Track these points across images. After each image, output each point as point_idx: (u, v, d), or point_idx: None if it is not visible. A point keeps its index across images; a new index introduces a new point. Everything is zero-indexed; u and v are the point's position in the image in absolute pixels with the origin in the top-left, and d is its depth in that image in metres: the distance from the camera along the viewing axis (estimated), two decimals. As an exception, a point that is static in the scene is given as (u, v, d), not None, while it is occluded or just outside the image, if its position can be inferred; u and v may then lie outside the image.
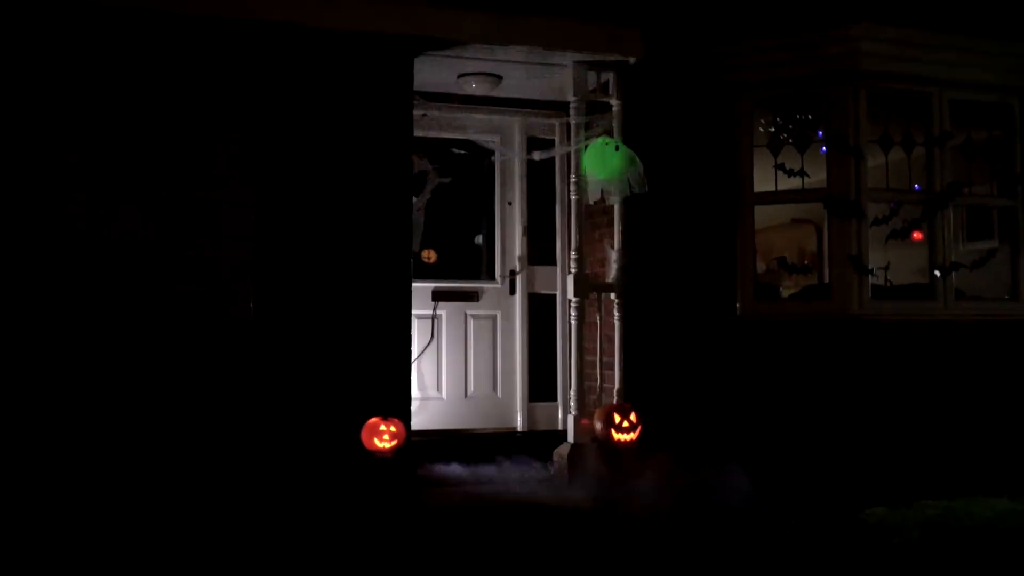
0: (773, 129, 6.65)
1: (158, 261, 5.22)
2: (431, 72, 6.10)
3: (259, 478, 5.18)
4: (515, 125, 7.07)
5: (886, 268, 7.06)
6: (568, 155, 6.57)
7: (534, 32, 5.77)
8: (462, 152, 6.86)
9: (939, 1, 6.28)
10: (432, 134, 6.72)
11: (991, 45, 6.33)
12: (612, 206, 6.13)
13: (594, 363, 6.15)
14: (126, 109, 5.23)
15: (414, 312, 5.84)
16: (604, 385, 6.14)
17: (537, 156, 6.56)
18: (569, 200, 6.27)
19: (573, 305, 6.03)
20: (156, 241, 5.23)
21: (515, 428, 6.95)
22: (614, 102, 6.13)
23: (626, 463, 5.65)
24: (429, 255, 6.97)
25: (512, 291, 7.06)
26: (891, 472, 5.93)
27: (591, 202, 6.24)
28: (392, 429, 5.36)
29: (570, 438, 5.96)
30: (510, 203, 7.12)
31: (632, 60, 6.01)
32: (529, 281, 7.09)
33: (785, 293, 7.87)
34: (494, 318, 7.02)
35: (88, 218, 5.13)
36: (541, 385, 7.03)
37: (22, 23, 5.07)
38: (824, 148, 6.35)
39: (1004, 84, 6.51)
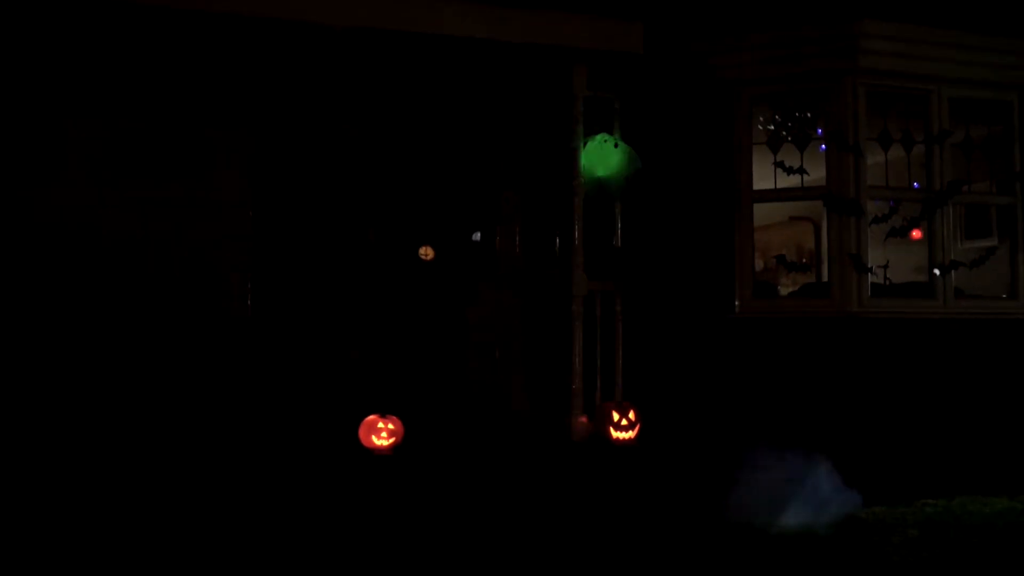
0: (772, 126, 6.64)
1: (157, 258, 5.21)
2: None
3: (254, 476, 5.15)
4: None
5: (885, 266, 7.06)
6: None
7: (534, 27, 5.74)
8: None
9: (939, -3, 6.29)
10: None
11: (991, 41, 6.32)
12: (612, 204, 6.11)
13: (594, 360, 6.13)
14: (127, 107, 5.21)
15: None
16: (604, 383, 6.12)
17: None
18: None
19: (574, 301, 6.00)
20: (155, 238, 5.22)
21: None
22: (614, 99, 6.11)
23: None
24: (427, 252, 6.94)
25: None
26: (890, 471, 5.91)
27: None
28: (391, 427, 5.34)
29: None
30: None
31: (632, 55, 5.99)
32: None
33: (784, 291, 7.87)
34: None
35: (87, 215, 5.12)
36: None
37: (21, 21, 5.04)
38: (823, 146, 6.34)
39: (1003, 81, 6.50)
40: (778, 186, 6.48)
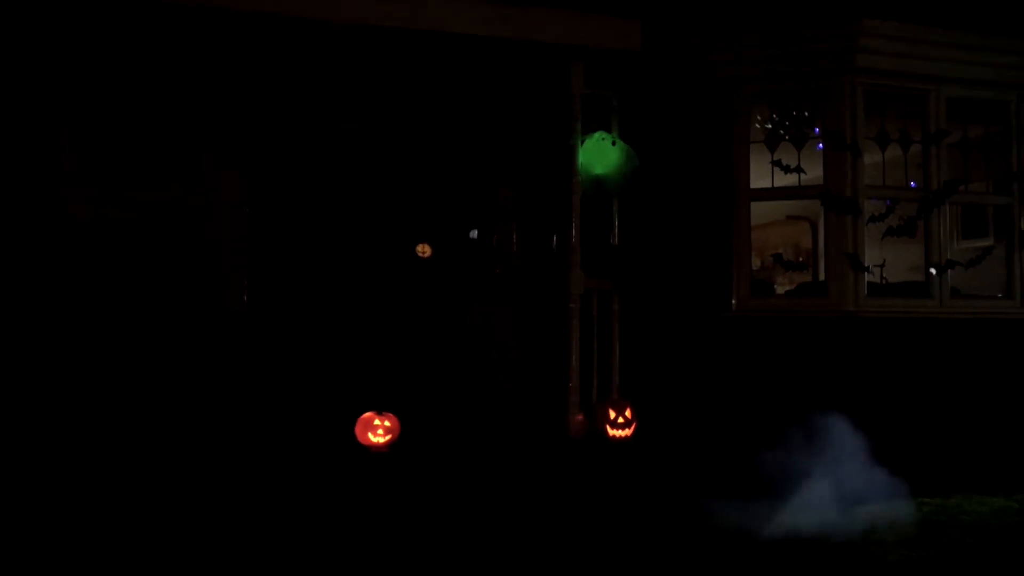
0: (770, 125, 6.64)
1: (154, 254, 5.21)
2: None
3: (249, 471, 5.14)
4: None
5: (882, 265, 7.08)
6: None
7: (532, 24, 5.74)
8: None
9: (937, -3, 6.29)
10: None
11: (989, 41, 6.32)
12: (609, 202, 6.11)
13: (591, 358, 6.13)
14: (124, 105, 5.21)
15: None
16: (601, 381, 6.12)
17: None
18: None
19: (572, 299, 6.00)
20: (152, 235, 5.22)
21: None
22: (611, 97, 6.11)
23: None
24: (424, 249, 6.93)
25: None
26: (885, 469, 5.91)
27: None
28: (387, 424, 5.33)
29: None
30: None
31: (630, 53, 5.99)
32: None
33: (781, 290, 7.88)
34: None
35: (84, 209, 5.12)
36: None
37: (19, 19, 5.02)
38: (821, 144, 6.35)
39: (1001, 81, 6.51)
40: (775, 185, 6.48)
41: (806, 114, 6.62)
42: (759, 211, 6.72)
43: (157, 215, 5.26)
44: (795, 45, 6.19)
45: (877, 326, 6.16)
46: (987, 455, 6.21)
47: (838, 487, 5.63)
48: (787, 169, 6.32)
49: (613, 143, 5.88)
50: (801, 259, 9.54)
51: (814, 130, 6.47)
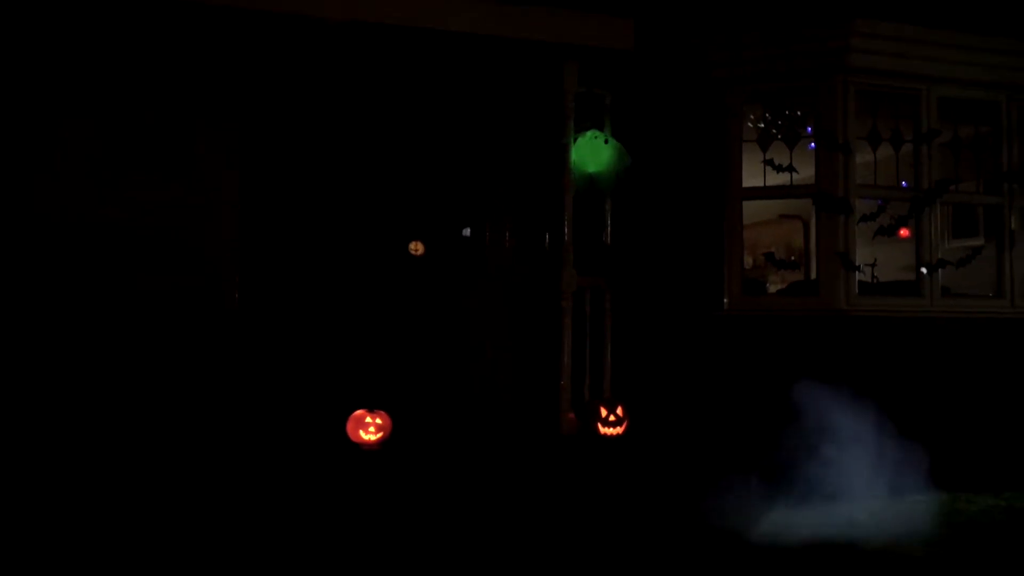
0: (763, 124, 6.65)
1: (144, 250, 5.20)
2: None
3: (238, 467, 5.13)
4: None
5: (873, 265, 7.10)
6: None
7: (525, 23, 5.74)
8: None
9: (929, -2, 6.31)
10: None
11: (981, 41, 6.35)
12: (602, 200, 6.12)
13: (583, 356, 6.14)
14: (119, 104, 5.21)
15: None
16: (593, 378, 6.13)
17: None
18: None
19: (564, 297, 6.01)
20: (142, 229, 5.21)
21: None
22: (605, 95, 6.11)
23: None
24: (417, 247, 6.93)
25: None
26: (876, 467, 5.94)
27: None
28: (378, 421, 5.33)
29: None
30: None
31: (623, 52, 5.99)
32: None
33: (773, 289, 7.90)
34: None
35: (74, 207, 5.11)
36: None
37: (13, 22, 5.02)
38: (813, 144, 6.36)
39: (992, 81, 6.53)
40: (768, 184, 6.50)
41: (798, 113, 6.64)
42: (752, 210, 6.74)
43: (148, 213, 5.25)
44: (788, 45, 6.20)
45: (868, 325, 6.18)
46: (977, 454, 6.23)
47: (829, 485, 5.66)
48: (779, 168, 6.34)
49: (606, 141, 5.89)
50: (793, 258, 9.57)
51: (806, 129, 6.49)
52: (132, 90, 5.24)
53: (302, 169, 5.47)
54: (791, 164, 6.32)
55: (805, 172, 6.41)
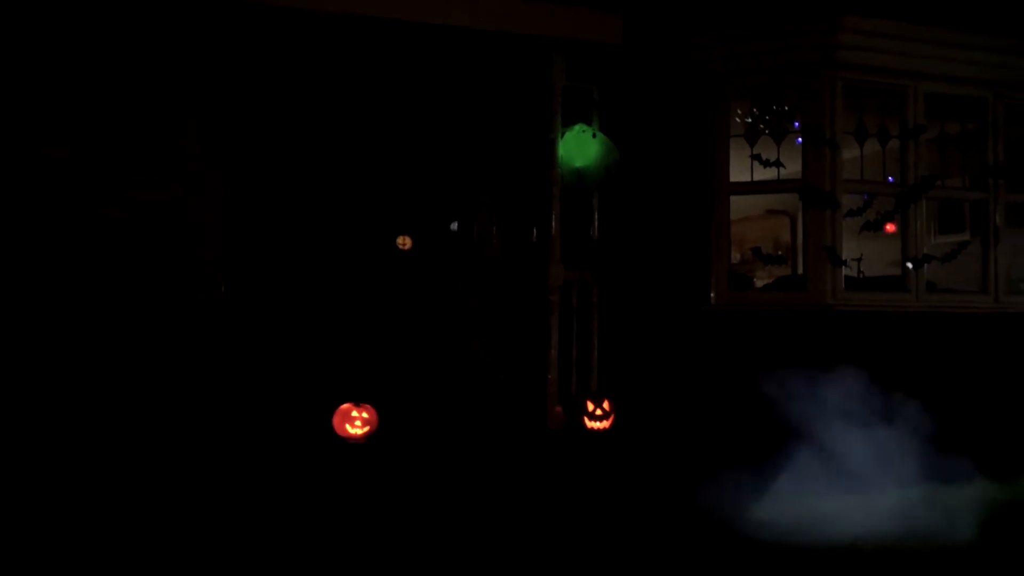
0: (750, 119, 6.66)
1: (129, 243, 5.18)
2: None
3: (222, 461, 5.11)
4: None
5: (859, 259, 7.11)
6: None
7: (512, 16, 5.73)
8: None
9: (916, -6, 6.33)
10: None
11: (968, 39, 6.37)
12: (589, 194, 6.11)
13: (571, 351, 6.14)
14: (107, 100, 5.19)
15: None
16: (580, 373, 6.13)
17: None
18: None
19: (551, 292, 6.01)
20: (127, 223, 5.20)
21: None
22: (592, 89, 6.11)
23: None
24: (404, 241, 6.91)
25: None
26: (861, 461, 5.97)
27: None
28: (364, 415, 5.32)
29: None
30: None
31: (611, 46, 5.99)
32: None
33: (759, 283, 7.90)
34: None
35: (59, 200, 5.09)
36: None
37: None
38: (800, 139, 6.38)
39: (979, 78, 6.56)
40: (755, 179, 6.51)
41: (786, 108, 6.64)
42: (739, 205, 6.76)
43: (135, 207, 5.23)
44: (776, 40, 6.21)
45: (854, 319, 6.20)
46: (962, 447, 6.26)
47: (816, 478, 5.68)
48: (767, 163, 6.35)
49: (594, 136, 5.89)
50: (780, 253, 9.58)
51: (794, 124, 6.50)
52: (118, 85, 5.20)
53: (289, 162, 5.45)
54: (778, 159, 6.34)
55: (792, 167, 6.43)
